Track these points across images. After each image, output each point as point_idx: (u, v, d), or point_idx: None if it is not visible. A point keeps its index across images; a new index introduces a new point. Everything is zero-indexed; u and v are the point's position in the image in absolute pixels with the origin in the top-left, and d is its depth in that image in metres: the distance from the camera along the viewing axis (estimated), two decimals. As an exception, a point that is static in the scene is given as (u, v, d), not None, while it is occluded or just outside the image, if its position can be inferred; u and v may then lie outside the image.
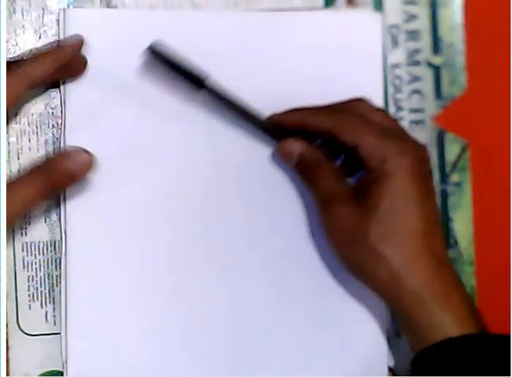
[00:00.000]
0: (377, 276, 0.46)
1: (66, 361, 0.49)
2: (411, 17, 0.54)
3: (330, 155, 0.49)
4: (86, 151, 0.45)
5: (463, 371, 0.43)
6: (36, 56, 0.46)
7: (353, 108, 0.49)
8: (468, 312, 0.45)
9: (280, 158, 0.50)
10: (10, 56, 0.50)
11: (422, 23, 0.54)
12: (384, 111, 0.51)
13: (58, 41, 0.48)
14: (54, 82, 0.49)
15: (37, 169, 0.44)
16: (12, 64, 0.46)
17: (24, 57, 0.49)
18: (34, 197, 0.44)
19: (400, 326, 0.48)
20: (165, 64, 0.48)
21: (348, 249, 0.47)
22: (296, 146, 0.49)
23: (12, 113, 0.49)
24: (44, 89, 0.50)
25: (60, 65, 0.46)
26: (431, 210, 0.47)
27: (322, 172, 0.48)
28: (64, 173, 0.44)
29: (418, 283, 0.46)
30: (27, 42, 0.50)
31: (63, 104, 0.49)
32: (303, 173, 0.49)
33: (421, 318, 0.45)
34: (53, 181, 0.44)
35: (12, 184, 0.44)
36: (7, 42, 0.50)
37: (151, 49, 0.47)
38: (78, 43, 0.47)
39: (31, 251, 0.50)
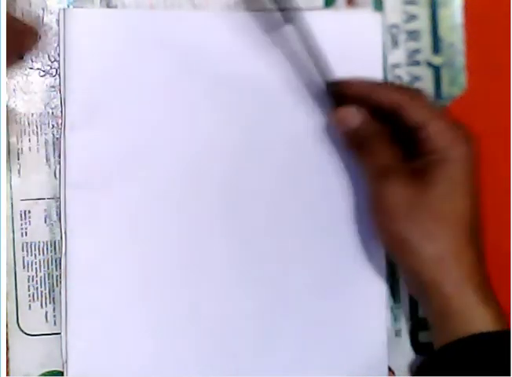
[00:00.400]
0: (425, 255, 0.46)
1: (66, 361, 0.49)
2: (411, 17, 0.54)
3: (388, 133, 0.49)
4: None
5: (495, 366, 0.43)
6: None
7: (418, 93, 0.49)
8: (500, 310, 0.46)
9: (335, 124, 0.49)
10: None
11: (422, 23, 0.54)
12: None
13: None
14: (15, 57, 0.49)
15: None
16: None
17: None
18: None
19: (429, 313, 0.48)
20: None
21: (398, 224, 0.47)
22: (357, 114, 0.48)
23: None
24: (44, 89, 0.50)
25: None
26: (479, 204, 0.47)
27: (380, 144, 0.48)
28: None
29: (463, 272, 0.46)
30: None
31: (63, 104, 0.49)
32: (359, 143, 0.48)
33: (460, 308, 0.45)
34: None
35: None
36: (7, 42, 0.50)
37: None
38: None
39: (31, 251, 0.50)
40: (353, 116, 0.48)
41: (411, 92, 0.49)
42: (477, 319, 0.45)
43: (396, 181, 0.47)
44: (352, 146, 0.49)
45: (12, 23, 0.47)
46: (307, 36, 0.48)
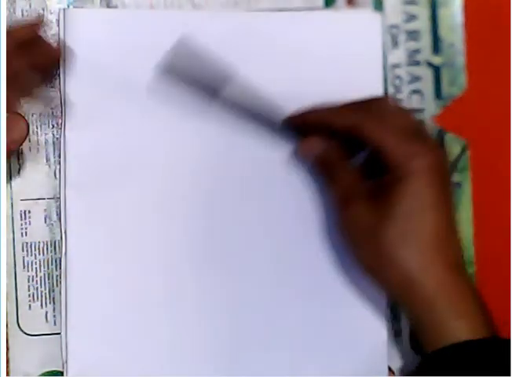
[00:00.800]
0: (391, 280, 0.46)
1: (66, 361, 0.49)
2: (411, 17, 0.54)
3: (350, 155, 0.49)
4: (22, 119, 0.44)
5: (470, 375, 0.43)
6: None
7: (376, 107, 0.48)
8: (480, 318, 0.45)
9: (300, 156, 0.50)
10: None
11: (422, 23, 0.54)
12: (407, 111, 0.50)
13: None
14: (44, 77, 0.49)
15: None
16: None
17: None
18: None
19: (412, 327, 0.48)
20: (179, 78, 0.47)
21: (363, 250, 0.47)
22: (316, 144, 0.48)
23: None
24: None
25: (16, 44, 0.45)
26: (448, 215, 0.46)
27: (341, 171, 0.48)
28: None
29: (432, 289, 0.45)
30: (27, 42, 0.50)
31: (63, 104, 0.49)
32: (322, 171, 0.49)
33: (433, 324, 0.45)
34: None
35: None
36: (7, 42, 0.50)
37: (165, 68, 0.47)
38: (36, 22, 0.47)
39: (31, 251, 0.50)
40: (315, 146, 0.48)
41: (364, 112, 0.47)
42: (451, 332, 0.45)
43: (359, 206, 0.47)
44: (319, 174, 0.50)
45: (44, 46, 0.47)
46: (245, 95, 0.48)
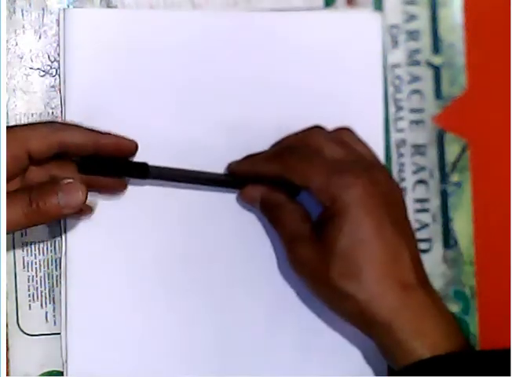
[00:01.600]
0: (345, 312, 0.47)
1: (66, 361, 0.49)
2: (411, 17, 0.54)
3: (295, 194, 0.49)
4: (80, 187, 0.43)
5: None
6: (79, 127, 0.46)
7: (305, 143, 0.48)
8: (442, 334, 0.45)
9: (244, 202, 0.50)
10: (10, 56, 0.50)
11: (422, 23, 0.54)
12: (343, 132, 0.50)
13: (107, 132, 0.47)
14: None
15: (25, 191, 0.43)
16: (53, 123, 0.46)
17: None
18: (16, 218, 0.42)
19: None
20: (100, 170, 0.46)
21: (315, 287, 0.48)
22: (255, 192, 0.49)
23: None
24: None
25: (95, 148, 0.46)
26: (390, 237, 0.46)
27: (284, 213, 0.48)
28: (51, 205, 0.42)
29: (387, 314, 0.45)
30: (27, 42, 0.50)
31: (63, 104, 0.49)
32: (266, 215, 0.50)
33: (392, 346, 0.45)
34: (39, 208, 0.42)
35: None
36: (7, 42, 0.50)
37: (81, 167, 0.46)
38: (129, 144, 0.47)
39: (31, 251, 0.50)
40: (253, 192, 0.49)
41: (289, 155, 0.48)
42: (411, 352, 0.45)
43: (304, 247, 0.47)
44: (265, 217, 0.50)
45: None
46: (172, 176, 0.48)
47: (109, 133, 0.47)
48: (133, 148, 0.47)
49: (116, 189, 0.49)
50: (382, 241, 0.46)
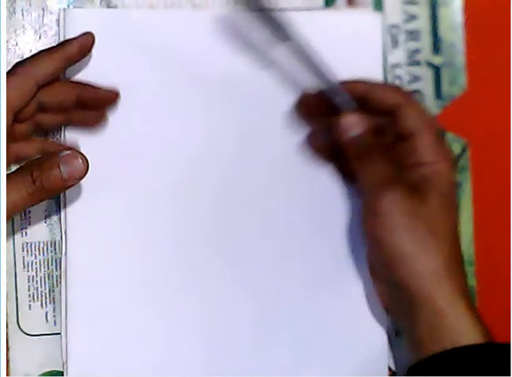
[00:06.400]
0: (419, 269, 0.46)
1: (66, 361, 0.49)
2: (411, 17, 0.54)
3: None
4: (80, 156, 0.43)
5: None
6: (42, 54, 0.46)
7: (415, 98, 0.49)
8: (485, 324, 0.46)
9: (337, 131, 0.48)
10: (10, 55, 0.50)
11: (422, 23, 0.54)
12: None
13: (66, 40, 0.47)
14: (79, 120, 0.48)
15: (26, 171, 0.43)
16: (17, 64, 0.45)
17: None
18: (22, 199, 0.42)
19: (412, 326, 0.47)
20: (259, 12, 0.47)
21: (395, 236, 0.46)
22: (360, 122, 0.47)
23: (25, 113, 0.46)
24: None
25: (68, 63, 0.46)
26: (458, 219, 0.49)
27: (378, 155, 0.47)
28: (55, 179, 0.43)
29: (456, 287, 0.46)
30: (27, 42, 0.50)
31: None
32: (358, 153, 0.48)
33: (453, 322, 0.45)
34: (42, 185, 0.42)
35: None
36: (7, 42, 0.50)
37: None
38: (86, 39, 0.46)
39: (31, 251, 0.50)
40: (356, 124, 0.47)
41: (409, 95, 0.49)
42: (469, 333, 0.45)
43: (394, 193, 0.46)
44: (351, 155, 0.48)
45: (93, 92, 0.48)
46: (305, 49, 0.48)
47: (90, 85, 0.47)
48: (114, 97, 0.48)
49: (97, 122, 0.48)
50: (457, 218, 0.49)
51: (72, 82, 0.48)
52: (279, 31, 0.47)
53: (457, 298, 0.45)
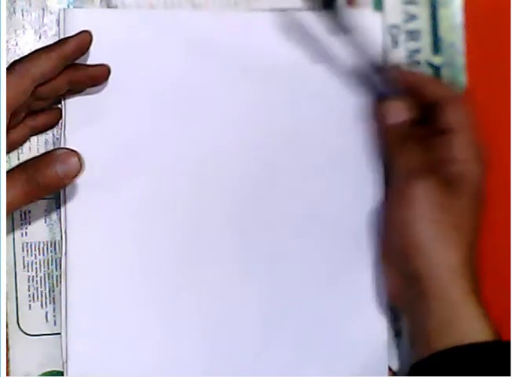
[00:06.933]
0: (438, 261, 0.47)
1: (66, 361, 0.49)
2: (411, 17, 0.54)
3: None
4: (75, 154, 0.43)
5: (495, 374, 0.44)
6: (39, 52, 0.45)
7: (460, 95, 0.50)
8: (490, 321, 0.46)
9: (381, 115, 0.49)
10: (10, 55, 0.50)
11: (422, 23, 0.54)
12: None
13: (63, 38, 0.47)
14: (77, 90, 0.49)
15: (22, 169, 0.43)
16: (15, 63, 0.45)
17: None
18: (18, 198, 0.42)
19: (422, 321, 0.47)
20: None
21: (421, 225, 0.47)
22: (406, 109, 0.49)
23: (21, 111, 0.47)
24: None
25: (65, 61, 0.46)
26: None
27: (417, 144, 0.48)
28: (50, 177, 0.42)
29: (470, 283, 0.46)
30: (27, 42, 0.50)
31: (63, 103, 0.49)
32: (398, 139, 0.49)
33: (465, 318, 0.46)
34: (38, 183, 0.42)
35: None
36: (7, 42, 0.50)
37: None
38: (84, 38, 0.46)
39: (31, 251, 0.50)
40: (402, 111, 0.49)
41: (455, 92, 0.49)
42: (479, 330, 0.45)
43: (427, 182, 0.47)
44: (391, 139, 0.49)
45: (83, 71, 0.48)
46: (363, 39, 0.49)
47: (79, 66, 0.47)
48: (105, 73, 0.48)
49: (100, 78, 0.49)
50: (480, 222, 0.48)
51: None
52: (342, 24, 0.48)
53: (469, 296, 0.46)
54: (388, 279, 0.50)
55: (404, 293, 0.49)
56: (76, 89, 0.48)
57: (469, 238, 0.47)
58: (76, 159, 0.43)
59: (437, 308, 0.46)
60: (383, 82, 0.49)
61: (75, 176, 0.43)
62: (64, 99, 0.49)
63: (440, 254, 0.46)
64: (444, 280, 0.46)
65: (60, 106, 0.49)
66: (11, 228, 0.50)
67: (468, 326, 0.45)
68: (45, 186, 0.43)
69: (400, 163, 0.48)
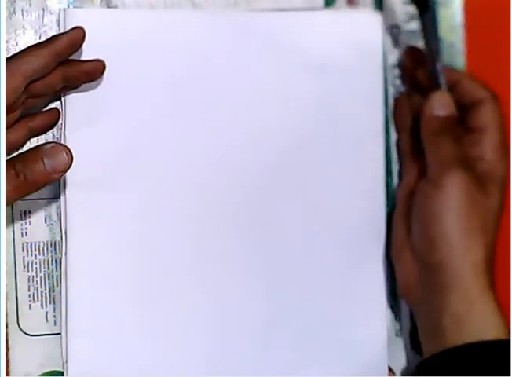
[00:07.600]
0: (463, 256, 0.47)
1: (66, 361, 0.49)
2: (411, 17, 0.54)
3: None
4: (63, 148, 0.43)
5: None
6: (30, 49, 0.45)
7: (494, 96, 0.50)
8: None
9: (427, 106, 0.50)
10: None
11: (422, 23, 0.54)
12: None
13: (55, 35, 0.47)
14: (73, 86, 0.49)
15: (10, 165, 0.42)
16: (6, 60, 0.44)
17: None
18: (7, 193, 0.42)
19: (437, 316, 0.47)
20: None
21: (453, 216, 0.48)
22: (450, 104, 0.49)
23: (16, 109, 0.46)
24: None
25: (58, 58, 0.46)
26: None
27: (452, 138, 0.49)
28: (38, 172, 0.42)
29: (489, 281, 0.47)
30: (27, 42, 0.50)
31: (63, 104, 0.49)
32: (435, 131, 0.49)
33: (482, 314, 0.46)
34: (26, 178, 0.42)
35: None
36: (7, 42, 0.50)
37: None
38: (76, 34, 0.46)
39: (32, 251, 0.50)
40: (448, 104, 0.49)
41: (493, 93, 0.50)
42: (494, 327, 0.46)
43: (463, 175, 0.48)
44: (431, 130, 0.49)
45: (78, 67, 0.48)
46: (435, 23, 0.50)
47: (73, 62, 0.47)
48: (100, 69, 0.48)
49: (95, 74, 0.48)
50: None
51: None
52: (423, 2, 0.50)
53: (487, 292, 0.47)
54: (404, 270, 0.50)
55: (420, 284, 0.49)
56: (72, 85, 0.48)
57: (491, 237, 0.48)
58: (64, 154, 0.43)
59: (455, 301, 0.47)
60: (435, 72, 0.50)
61: (64, 170, 0.43)
62: (64, 99, 0.49)
63: (465, 247, 0.47)
64: (466, 272, 0.47)
65: (58, 106, 0.49)
66: (11, 228, 0.49)
67: (484, 322, 0.46)
68: (33, 181, 0.42)
69: (439, 153, 0.49)
